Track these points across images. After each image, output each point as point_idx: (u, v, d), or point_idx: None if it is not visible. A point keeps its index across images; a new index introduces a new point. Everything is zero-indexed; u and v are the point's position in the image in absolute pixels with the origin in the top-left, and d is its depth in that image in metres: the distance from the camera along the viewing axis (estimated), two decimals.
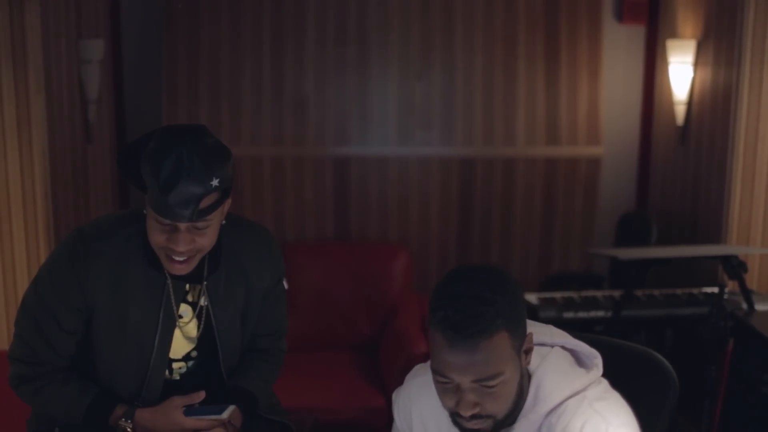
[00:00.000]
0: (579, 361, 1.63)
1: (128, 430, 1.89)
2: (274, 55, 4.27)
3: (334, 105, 4.34)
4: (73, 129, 3.67)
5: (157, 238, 1.80)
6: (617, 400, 1.57)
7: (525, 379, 1.56)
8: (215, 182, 1.73)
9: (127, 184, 4.29)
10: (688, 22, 4.02)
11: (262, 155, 4.32)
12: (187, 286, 1.94)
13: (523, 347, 1.52)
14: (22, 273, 3.21)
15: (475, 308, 1.45)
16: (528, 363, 1.55)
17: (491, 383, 1.47)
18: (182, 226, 1.76)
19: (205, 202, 1.75)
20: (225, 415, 1.91)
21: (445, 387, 1.51)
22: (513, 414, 1.55)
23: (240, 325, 2.03)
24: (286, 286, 2.11)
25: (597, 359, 1.62)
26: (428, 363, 1.64)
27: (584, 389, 1.56)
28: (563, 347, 1.63)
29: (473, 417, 1.50)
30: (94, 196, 3.94)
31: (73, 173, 3.67)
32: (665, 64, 4.17)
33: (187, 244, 1.79)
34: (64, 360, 1.93)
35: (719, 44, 3.68)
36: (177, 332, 1.95)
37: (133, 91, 4.38)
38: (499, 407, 1.50)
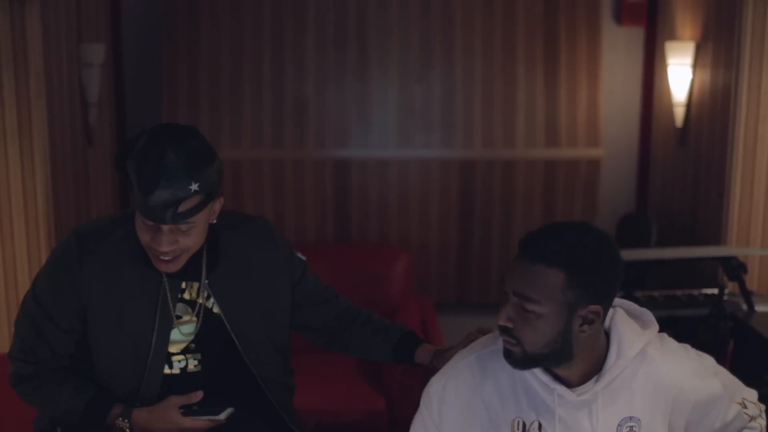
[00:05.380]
0: (635, 318, 1.71)
1: (126, 429, 1.90)
2: (275, 59, 4.28)
3: (334, 108, 4.34)
4: (73, 132, 3.68)
5: (143, 236, 1.83)
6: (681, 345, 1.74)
7: (602, 338, 1.62)
8: (194, 186, 1.74)
9: (128, 187, 4.29)
10: (687, 24, 4.02)
11: (262, 158, 4.32)
12: (183, 284, 1.95)
13: (579, 311, 1.55)
14: (23, 275, 3.21)
15: (552, 239, 1.54)
16: (584, 332, 1.57)
17: (527, 306, 1.53)
18: (165, 227, 1.78)
19: (184, 206, 1.76)
20: (223, 416, 1.91)
21: (503, 295, 1.59)
22: (598, 368, 1.62)
23: (259, 316, 2.01)
24: (302, 257, 2.11)
25: (649, 314, 1.71)
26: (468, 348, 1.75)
27: (654, 338, 1.68)
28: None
29: (504, 330, 1.57)
30: (95, 199, 3.95)
31: (74, 176, 3.67)
32: (664, 66, 4.17)
33: (170, 245, 1.80)
34: (62, 359, 1.94)
35: (718, 46, 3.68)
36: (175, 331, 1.95)
37: (134, 95, 4.39)
38: (527, 336, 1.55)
